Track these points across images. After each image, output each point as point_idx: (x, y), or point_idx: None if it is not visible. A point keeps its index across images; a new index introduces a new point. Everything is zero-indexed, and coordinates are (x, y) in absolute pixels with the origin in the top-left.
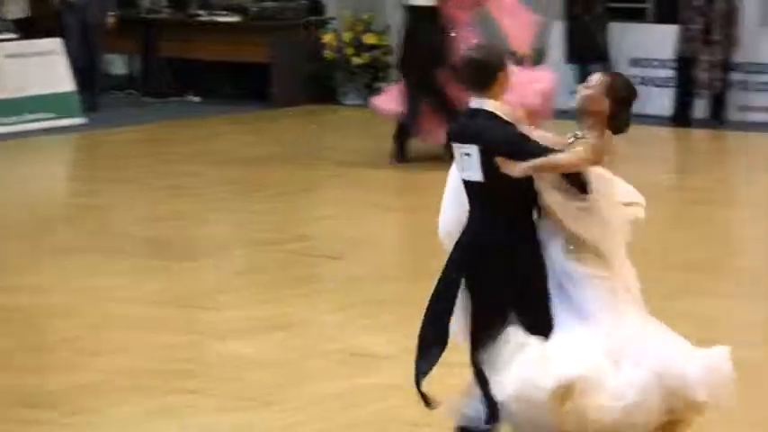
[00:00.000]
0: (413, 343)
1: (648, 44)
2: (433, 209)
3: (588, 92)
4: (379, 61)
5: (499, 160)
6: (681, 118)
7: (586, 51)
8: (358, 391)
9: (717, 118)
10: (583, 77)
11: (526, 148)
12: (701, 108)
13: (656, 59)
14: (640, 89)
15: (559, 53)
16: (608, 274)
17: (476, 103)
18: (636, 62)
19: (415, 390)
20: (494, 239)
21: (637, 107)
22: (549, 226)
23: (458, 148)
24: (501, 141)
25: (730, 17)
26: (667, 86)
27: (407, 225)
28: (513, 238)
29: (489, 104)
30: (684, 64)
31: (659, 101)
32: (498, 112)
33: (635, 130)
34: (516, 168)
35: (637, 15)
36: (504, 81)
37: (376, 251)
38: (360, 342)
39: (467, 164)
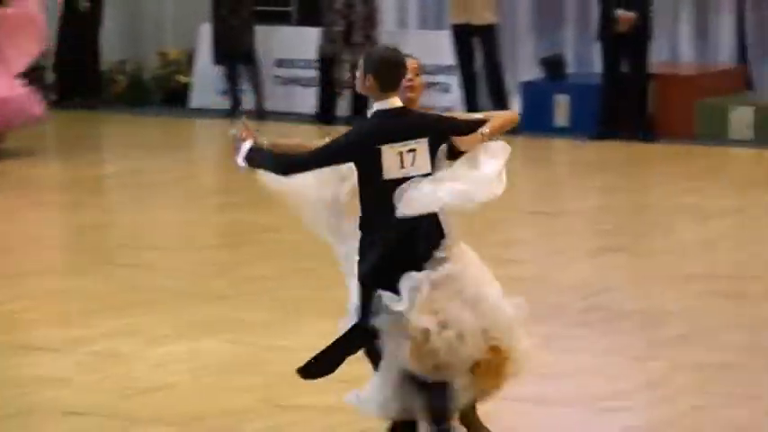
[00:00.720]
0: (80, 333)
1: (293, 46)
2: (84, 204)
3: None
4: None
5: (459, 140)
6: (324, 115)
7: (233, 52)
8: (25, 381)
9: (359, 115)
10: (230, 78)
11: (473, 121)
12: (343, 106)
13: (300, 60)
14: (285, 89)
15: (208, 54)
16: None
17: (384, 104)
18: (281, 63)
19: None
20: (437, 227)
21: (284, 106)
22: None
23: (396, 148)
24: (455, 125)
25: (370, 19)
26: (312, 86)
27: (66, 221)
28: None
29: (398, 101)
30: (327, 64)
31: (304, 99)
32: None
33: (282, 128)
34: (477, 139)
35: (281, 18)
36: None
37: (40, 247)
38: (28, 335)
39: (410, 160)
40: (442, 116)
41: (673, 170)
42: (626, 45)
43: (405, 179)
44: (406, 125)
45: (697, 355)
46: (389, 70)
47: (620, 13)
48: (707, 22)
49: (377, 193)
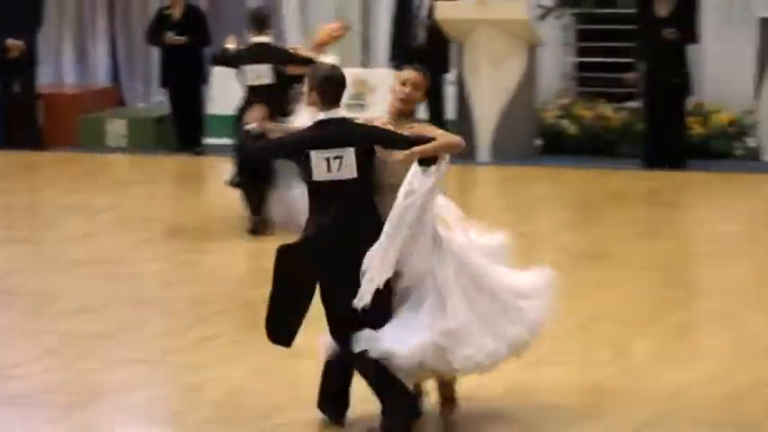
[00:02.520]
0: None
1: None
2: None
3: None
4: None
5: (382, 152)
6: None
7: None
8: None
9: None
10: None
11: (404, 138)
12: None
13: None
14: None
15: None
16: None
17: (329, 113)
18: None
19: None
20: (364, 226)
21: None
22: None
23: (323, 154)
24: (382, 138)
25: None
26: None
27: None
28: (378, 221)
29: (341, 113)
30: None
31: None
32: (350, 117)
33: None
34: (403, 155)
35: None
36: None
37: None
38: None
39: (336, 166)
40: (373, 129)
41: (60, 174)
42: (16, 69)
43: (328, 183)
44: (334, 135)
45: (88, 326)
46: (321, 87)
47: (9, 42)
48: (86, 47)
49: (310, 192)
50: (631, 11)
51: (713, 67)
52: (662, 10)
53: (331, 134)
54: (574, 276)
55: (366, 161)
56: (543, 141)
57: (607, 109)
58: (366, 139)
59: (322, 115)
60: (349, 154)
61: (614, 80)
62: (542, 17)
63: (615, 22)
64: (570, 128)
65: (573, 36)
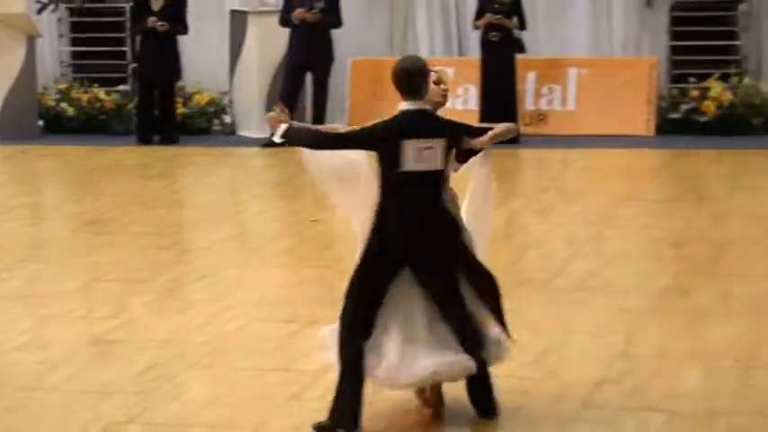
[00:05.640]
0: None
1: None
2: None
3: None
4: None
5: (468, 142)
6: None
7: None
8: None
9: None
10: None
11: (475, 128)
12: None
13: None
14: None
15: None
16: None
17: (413, 104)
18: None
19: None
20: (445, 216)
21: None
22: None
23: (416, 144)
24: (464, 129)
25: None
26: None
27: None
28: (453, 211)
29: (421, 104)
30: None
31: None
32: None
33: None
34: (481, 142)
35: None
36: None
37: None
38: None
39: (427, 156)
40: (457, 121)
41: None
42: None
43: (417, 173)
44: (428, 125)
45: None
46: (413, 78)
47: None
48: None
49: (389, 184)
50: (121, 5)
51: (193, 53)
52: (156, 5)
53: (423, 124)
54: (76, 241)
55: (448, 153)
56: (45, 122)
57: (101, 92)
58: (455, 131)
59: (405, 105)
60: (439, 145)
61: (106, 66)
62: (40, 11)
63: (106, 15)
64: (68, 110)
65: (67, 27)
